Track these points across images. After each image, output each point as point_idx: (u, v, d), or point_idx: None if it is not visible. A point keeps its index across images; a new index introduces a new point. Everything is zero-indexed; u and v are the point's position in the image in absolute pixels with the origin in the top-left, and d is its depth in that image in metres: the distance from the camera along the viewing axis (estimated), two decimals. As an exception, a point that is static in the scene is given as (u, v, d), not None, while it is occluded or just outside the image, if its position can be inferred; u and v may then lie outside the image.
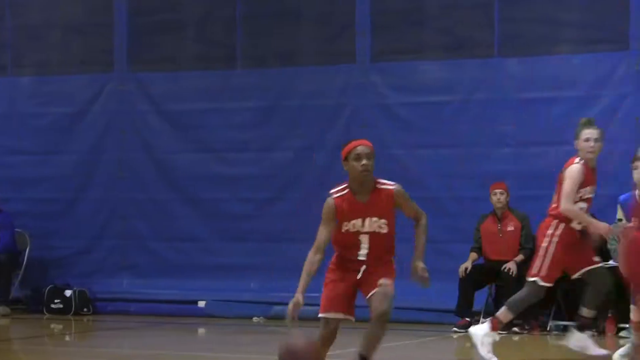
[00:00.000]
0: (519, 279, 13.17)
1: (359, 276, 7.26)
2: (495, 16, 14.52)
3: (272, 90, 15.54)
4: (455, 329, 13.43)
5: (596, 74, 14.21)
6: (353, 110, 15.21)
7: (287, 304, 15.59)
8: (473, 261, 13.78)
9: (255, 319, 14.77)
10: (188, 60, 15.90)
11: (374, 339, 7.41)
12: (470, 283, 13.70)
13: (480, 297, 13.87)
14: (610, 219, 13.15)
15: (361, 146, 7.24)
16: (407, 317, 14.04)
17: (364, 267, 7.30)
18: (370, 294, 7.50)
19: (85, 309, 14.80)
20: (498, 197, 13.73)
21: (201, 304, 15.21)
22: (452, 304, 13.83)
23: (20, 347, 12.98)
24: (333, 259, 7.51)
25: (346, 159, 7.30)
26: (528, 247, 13.79)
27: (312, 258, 7.20)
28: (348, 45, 15.33)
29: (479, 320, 13.50)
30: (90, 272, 15.46)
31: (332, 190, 7.44)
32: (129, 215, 15.56)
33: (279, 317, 14.82)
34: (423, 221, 7.62)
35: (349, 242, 7.38)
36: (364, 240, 7.35)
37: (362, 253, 7.38)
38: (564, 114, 14.15)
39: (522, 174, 14.20)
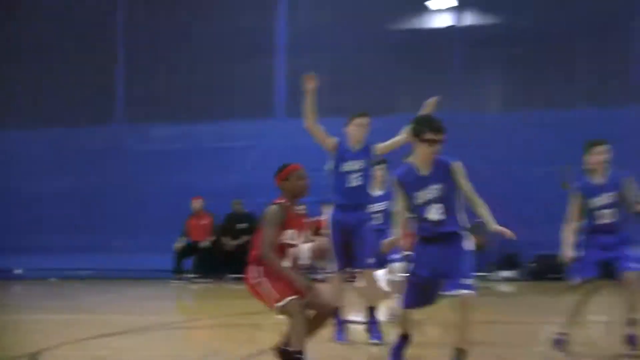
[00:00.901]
0: (209, 250, 18.01)
1: None
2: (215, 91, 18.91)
3: (60, 145, 19.60)
4: (173, 282, 17.81)
5: (252, 132, 18.92)
6: (121, 155, 19.41)
7: (76, 269, 18.45)
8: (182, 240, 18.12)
9: (52, 280, 18.40)
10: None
11: None
12: (182, 254, 18.20)
13: (187, 263, 18.33)
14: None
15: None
16: (140, 275, 18.54)
17: None
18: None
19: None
20: (195, 204, 18.28)
21: (18, 271, 19.16)
22: (169, 267, 18.22)
23: None
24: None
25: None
26: (215, 233, 18.23)
27: None
28: (108, 110, 19.61)
29: (185, 277, 17.45)
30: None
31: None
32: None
33: (71, 278, 18.44)
34: None
35: None
36: None
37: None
38: (235, 158, 18.80)
39: (216, 192, 18.30)
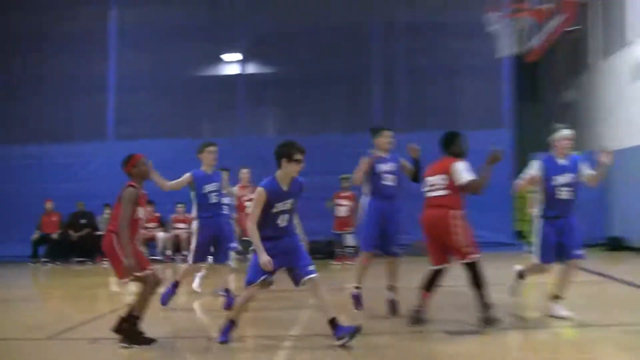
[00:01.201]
0: (58, 240, 18.98)
1: None
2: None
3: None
4: (30, 265, 18.57)
5: (90, 151, 20.13)
6: (12, 170, 20.55)
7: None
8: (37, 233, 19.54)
9: None
10: None
11: None
12: (37, 243, 19.32)
13: (41, 250, 19.31)
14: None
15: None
16: (3, 260, 19.08)
17: None
18: None
19: None
20: (47, 205, 19.63)
21: None
22: (28, 253, 19.11)
23: None
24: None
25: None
26: (62, 227, 19.27)
27: None
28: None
29: (40, 261, 18.53)
30: None
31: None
32: None
33: None
34: None
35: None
36: None
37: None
38: (77, 171, 20.18)
39: (63, 196, 19.62)
